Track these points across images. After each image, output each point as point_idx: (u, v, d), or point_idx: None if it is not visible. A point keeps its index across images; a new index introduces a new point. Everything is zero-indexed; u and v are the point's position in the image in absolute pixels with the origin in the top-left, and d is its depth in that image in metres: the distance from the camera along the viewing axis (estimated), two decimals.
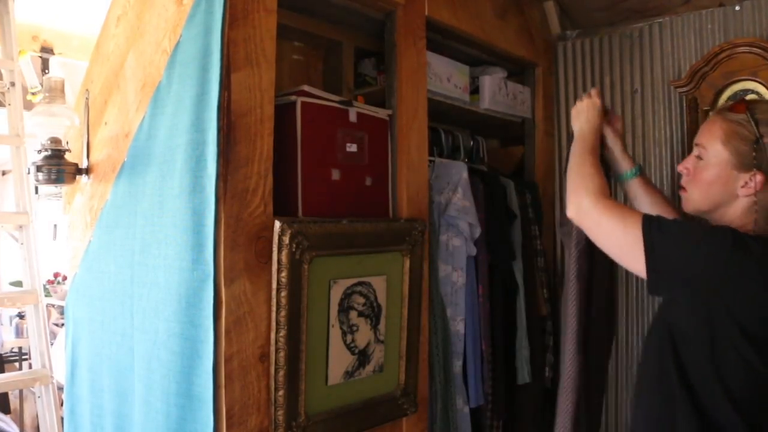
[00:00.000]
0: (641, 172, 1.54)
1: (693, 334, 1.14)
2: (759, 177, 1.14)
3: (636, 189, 1.53)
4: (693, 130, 1.99)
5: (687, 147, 2.01)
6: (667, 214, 1.43)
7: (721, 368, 1.11)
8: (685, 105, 2.03)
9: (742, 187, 1.17)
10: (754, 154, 1.14)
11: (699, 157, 1.24)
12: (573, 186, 1.36)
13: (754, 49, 1.86)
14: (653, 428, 1.23)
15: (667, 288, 1.18)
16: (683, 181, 1.30)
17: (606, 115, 1.58)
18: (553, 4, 2.31)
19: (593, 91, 1.54)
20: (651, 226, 1.16)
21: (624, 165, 1.54)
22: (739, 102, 1.25)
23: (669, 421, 1.17)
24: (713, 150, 1.21)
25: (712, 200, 1.23)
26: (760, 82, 1.88)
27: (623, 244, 1.20)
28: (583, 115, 1.52)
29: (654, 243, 1.14)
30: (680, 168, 1.30)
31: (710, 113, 1.93)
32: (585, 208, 1.29)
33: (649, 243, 1.14)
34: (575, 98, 2.27)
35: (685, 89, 2.00)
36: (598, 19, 2.32)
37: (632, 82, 2.20)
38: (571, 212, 1.33)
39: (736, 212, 1.20)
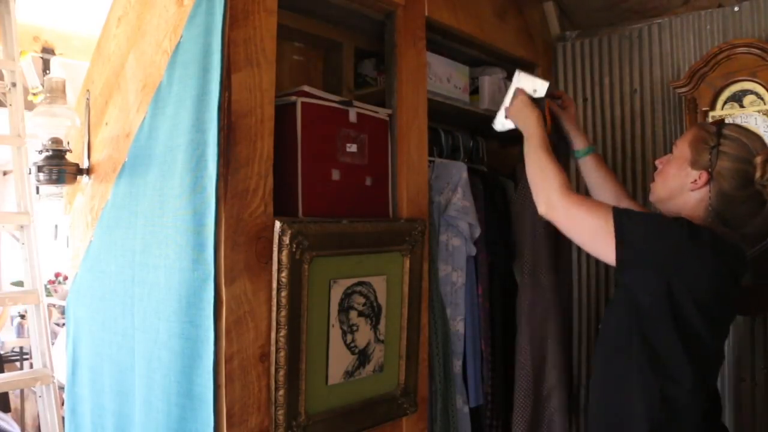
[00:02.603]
0: (594, 151, 1.76)
1: (656, 311, 1.30)
2: (705, 175, 1.35)
3: (589, 166, 1.75)
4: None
5: None
6: (616, 192, 1.69)
7: (683, 339, 1.28)
8: (684, 105, 2.03)
9: (693, 182, 1.37)
10: (708, 156, 1.35)
11: (671, 154, 1.45)
12: (538, 184, 1.51)
13: (753, 50, 1.87)
14: (614, 401, 1.39)
15: (632, 272, 1.33)
16: (655, 174, 1.49)
17: (557, 100, 1.79)
18: (553, 5, 2.32)
19: (517, 90, 1.69)
20: (621, 217, 1.32)
21: (578, 143, 1.77)
22: (720, 120, 1.50)
23: (629, 396, 1.34)
24: (681, 148, 1.41)
25: (669, 190, 1.42)
26: (758, 83, 1.88)
27: (594, 234, 1.36)
28: (522, 113, 1.66)
29: (624, 232, 1.31)
30: (657, 161, 1.50)
31: (710, 113, 1.96)
32: (554, 203, 1.44)
33: (619, 232, 1.30)
34: (575, 99, 2.28)
35: (684, 90, 2.01)
36: (598, 19, 2.33)
37: (631, 82, 2.20)
38: (541, 209, 1.48)
39: (687, 205, 1.38)
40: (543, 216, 1.49)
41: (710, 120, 1.96)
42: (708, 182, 1.35)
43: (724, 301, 1.33)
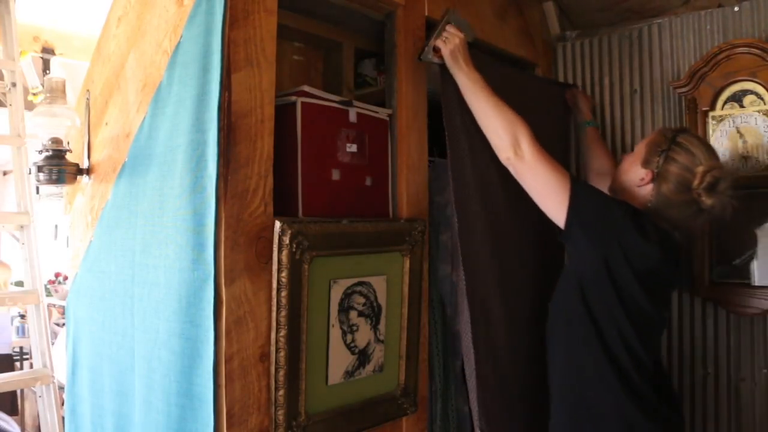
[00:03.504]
0: (592, 125, 2.06)
1: (596, 278, 1.42)
2: (650, 175, 1.48)
3: (588, 138, 2.04)
4: (692, 130, 1.99)
5: None
6: (608, 164, 1.89)
7: (626, 307, 1.40)
8: (684, 105, 2.03)
9: (640, 179, 1.49)
10: (657, 158, 1.47)
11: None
12: (500, 128, 1.52)
13: (753, 50, 1.87)
14: (567, 370, 1.49)
15: (575, 235, 1.43)
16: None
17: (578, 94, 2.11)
18: (553, 5, 2.32)
19: (451, 29, 1.62)
20: (577, 187, 1.45)
21: (584, 116, 2.08)
22: (681, 128, 1.73)
23: (580, 361, 1.45)
24: (639, 147, 1.56)
25: (621, 183, 1.56)
26: (758, 83, 1.88)
27: (551, 193, 1.46)
28: (460, 56, 1.59)
29: (578, 201, 1.42)
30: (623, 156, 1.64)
31: (710, 113, 1.96)
32: (524, 153, 1.49)
33: (573, 200, 1.42)
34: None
35: (684, 90, 2.01)
36: (598, 19, 2.33)
37: (631, 82, 2.20)
38: (507, 154, 1.51)
39: (633, 200, 1.50)
40: (505, 162, 1.52)
41: (711, 120, 1.97)
42: (652, 181, 1.47)
43: (660, 274, 1.45)
